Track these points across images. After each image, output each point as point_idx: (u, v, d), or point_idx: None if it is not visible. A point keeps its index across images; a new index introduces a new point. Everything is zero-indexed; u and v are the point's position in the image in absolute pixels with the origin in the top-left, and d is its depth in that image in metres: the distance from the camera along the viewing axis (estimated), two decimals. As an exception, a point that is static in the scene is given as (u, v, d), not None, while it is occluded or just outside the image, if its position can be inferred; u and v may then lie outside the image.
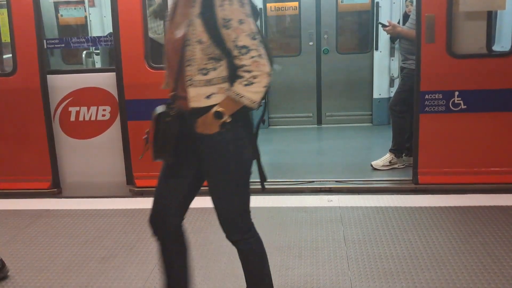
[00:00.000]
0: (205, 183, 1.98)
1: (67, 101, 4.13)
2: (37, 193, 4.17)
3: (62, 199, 4.04)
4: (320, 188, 4.05)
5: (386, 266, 2.66)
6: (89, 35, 5.96)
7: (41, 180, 4.22)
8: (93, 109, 4.12)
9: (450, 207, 3.43)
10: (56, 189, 4.24)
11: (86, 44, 4.30)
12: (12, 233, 3.32)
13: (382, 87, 6.32)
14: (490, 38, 3.78)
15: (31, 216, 3.59)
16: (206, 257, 2.83)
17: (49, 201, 3.91)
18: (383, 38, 6.15)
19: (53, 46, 4.19)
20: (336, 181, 4.14)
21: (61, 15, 5.92)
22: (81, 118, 4.14)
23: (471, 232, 3.03)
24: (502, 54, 3.88)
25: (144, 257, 2.88)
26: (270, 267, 2.07)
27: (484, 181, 3.85)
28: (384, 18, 5.92)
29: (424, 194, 3.75)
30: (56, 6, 5.83)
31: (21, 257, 2.95)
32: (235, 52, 1.76)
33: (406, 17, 5.47)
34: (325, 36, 6.40)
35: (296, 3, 6.40)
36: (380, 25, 4.90)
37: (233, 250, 2.02)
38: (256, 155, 1.95)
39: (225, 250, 2.85)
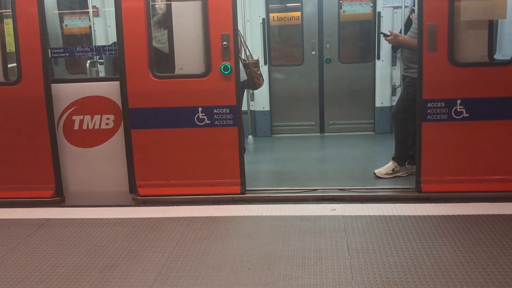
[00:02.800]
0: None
1: (71, 109, 4.15)
2: (40, 201, 4.18)
3: (65, 208, 4.04)
4: (324, 196, 4.05)
5: (390, 275, 2.64)
6: (94, 44, 6.01)
7: (44, 189, 4.23)
8: (96, 117, 4.13)
9: (454, 215, 3.41)
10: (59, 198, 4.25)
11: (90, 53, 4.33)
12: (15, 242, 3.32)
13: (384, 96, 6.34)
14: (491, 46, 3.80)
15: (34, 225, 3.59)
16: (209, 266, 2.81)
17: (51, 210, 3.91)
18: (385, 47, 6.18)
19: (57, 55, 4.22)
20: (339, 189, 4.14)
21: (66, 25, 5.99)
22: (84, 127, 4.16)
23: (475, 241, 3.01)
24: (503, 63, 3.89)
25: (147, 267, 2.87)
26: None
27: (487, 189, 3.84)
28: (385, 27, 5.97)
29: (427, 203, 3.73)
30: (61, 16, 5.89)
31: (23, 266, 2.95)
32: None
33: (407, 26, 5.50)
34: (327, 45, 6.44)
35: (298, 13, 6.45)
36: (381, 35, 4.93)
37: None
38: None
39: (227, 259, 2.83)
